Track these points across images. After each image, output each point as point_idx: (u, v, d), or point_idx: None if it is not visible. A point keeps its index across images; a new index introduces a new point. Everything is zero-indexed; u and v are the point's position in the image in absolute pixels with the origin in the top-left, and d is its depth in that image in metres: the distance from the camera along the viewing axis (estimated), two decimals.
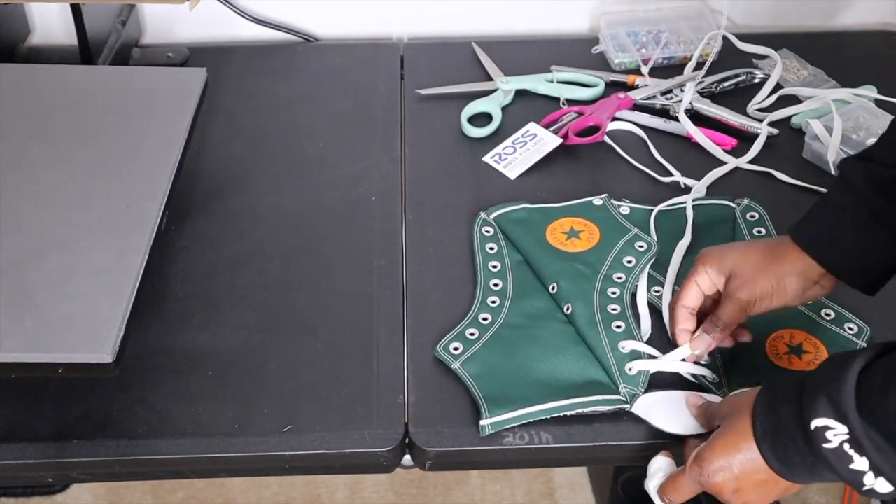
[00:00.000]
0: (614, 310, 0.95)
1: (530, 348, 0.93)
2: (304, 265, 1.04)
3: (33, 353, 0.83)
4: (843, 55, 1.33)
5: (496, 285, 0.99)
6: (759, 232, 1.05)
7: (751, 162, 1.16)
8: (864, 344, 0.93)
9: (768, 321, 0.93)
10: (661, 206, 1.08)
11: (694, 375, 0.90)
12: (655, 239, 1.03)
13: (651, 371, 0.90)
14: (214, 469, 0.90)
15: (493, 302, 0.97)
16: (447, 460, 0.88)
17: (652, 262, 1.01)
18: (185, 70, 1.21)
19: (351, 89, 1.29)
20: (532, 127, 1.20)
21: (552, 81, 1.28)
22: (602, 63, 1.33)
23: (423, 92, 1.27)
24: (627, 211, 1.07)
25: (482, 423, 0.86)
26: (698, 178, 1.13)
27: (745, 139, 1.19)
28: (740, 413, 0.77)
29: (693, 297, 0.91)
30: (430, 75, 1.30)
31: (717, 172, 1.13)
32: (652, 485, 0.84)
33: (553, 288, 0.98)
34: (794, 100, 1.26)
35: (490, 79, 1.29)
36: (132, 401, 0.89)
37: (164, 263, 1.01)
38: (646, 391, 0.89)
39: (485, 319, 0.96)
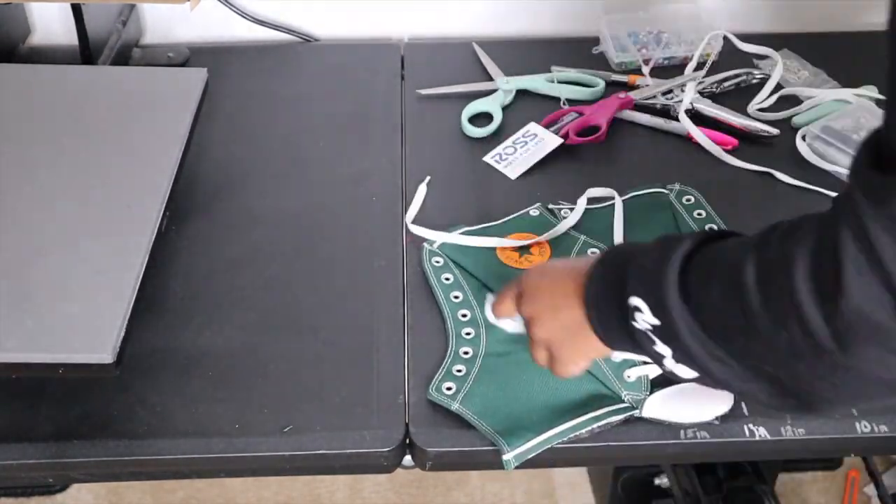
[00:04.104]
0: None
1: (522, 374, 0.91)
2: (304, 265, 1.04)
3: (33, 353, 0.83)
4: (843, 55, 1.33)
5: (465, 316, 0.97)
6: (699, 215, 1.06)
7: (751, 162, 1.16)
8: None
9: None
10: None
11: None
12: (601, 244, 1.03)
13: (651, 376, 0.89)
14: (214, 469, 0.90)
15: (468, 334, 0.95)
16: (447, 460, 0.88)
17: None
18: (185, 70, 1.21)
19: (351, 89, 1.29)
20: (532, 127, 1.20)
21: (553, 81, 1.28)
22: (602, 63, 1.33)
23: (423, 92, 1.27)
24: (567, 215, 1.07)
25: (505, 457, 0.84)
26: (699, 178, 1.12)
27: (745, 139, 1.19)
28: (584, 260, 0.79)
29: None
30: (430, 75, 1.30)
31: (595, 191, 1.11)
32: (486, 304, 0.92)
33: None
34: (794, 100, 1.26)
35: (490, 79, 1.29)
36: (132, 401, 0.89)
37: (164, 263, 1.01)
38: (650, 392, 0.88)
39: (466, 353, 0.93)
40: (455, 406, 0.89)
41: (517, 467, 0.85)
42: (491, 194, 1.12)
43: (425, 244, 1.04)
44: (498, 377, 0.91)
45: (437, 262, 1.02)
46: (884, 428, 0.88)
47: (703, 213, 1.06)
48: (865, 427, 0.88)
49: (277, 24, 1.38)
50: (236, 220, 1.09)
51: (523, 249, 1.03)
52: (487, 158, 1.17)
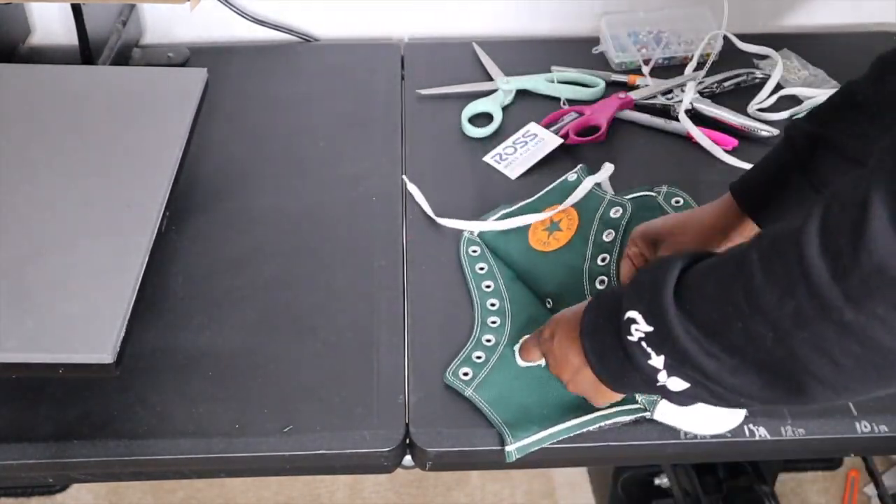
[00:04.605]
0: None
1: (539, 367, 0.91)
2: (304, 265, 1.04)
3: (33, 353, 0.83)
4: (843, 55, 1.33)
5: (493, 305, 0.98)
6: None
7: (751, 162, 1.16)
8: None
9: None
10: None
11: None
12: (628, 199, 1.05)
13: None
14: (214, 469, 0.90)
15: (494, 322, 0.96)
16: (447, 460, 0.88)
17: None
18: (185, 70, 1.21)
19: (351, 89, 1.29)
20: (532, 127, 1.20)
21: (553, 81, 1.28)
22: (602, 63, 1.33)
23: (423, 92, 1.27)
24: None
25: (507, 449, 0.85)
26: (698, 178, 1.13)
27: (745, 139, 1.19)
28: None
29: (625, 273, 0.95)
30: (430, 75, 1.30)
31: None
32: (515, 346, 0.92)
33: (548, 303, 0.97)
34: (795, 100, 1.26)
35: (490, 79, 1.29)
36: (132, 401, 0.89)
37: (164, 263, 1.01)
38: None
39: (488, 341, 0.94)
40: (469, 392, 0.89)
41: (517, 461, 0.85)
42: (491, 194, 1.12)
43: (465, 233, 1.05)
44: (515, 368, 0.91)
45: (474, 251, 1.03)
46: (884, 428, 0.88)
47: None
48: (865, 427, 0.88)
49: (277, 24, 1.38)
50: (236, 219, 1.09)
51: (551, 226, 1.03)
52: (487, 158, 1.17)
